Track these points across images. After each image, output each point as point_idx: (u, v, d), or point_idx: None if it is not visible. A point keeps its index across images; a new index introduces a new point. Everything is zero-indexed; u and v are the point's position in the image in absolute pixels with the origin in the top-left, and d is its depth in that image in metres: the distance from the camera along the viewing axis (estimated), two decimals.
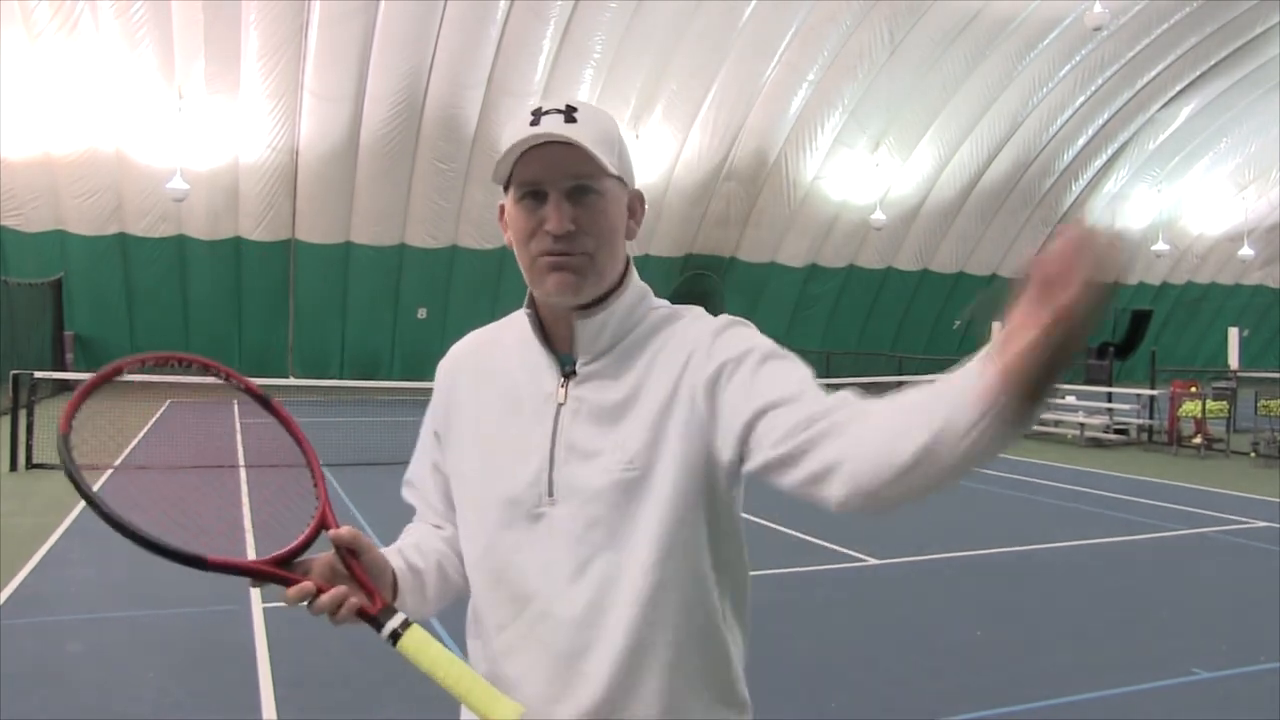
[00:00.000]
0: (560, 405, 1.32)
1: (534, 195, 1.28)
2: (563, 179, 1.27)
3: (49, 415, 12.09)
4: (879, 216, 24.15)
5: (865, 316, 26.91)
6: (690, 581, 1.29)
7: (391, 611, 1.29)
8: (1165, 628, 5.63)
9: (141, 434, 13.36)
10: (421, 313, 22.28)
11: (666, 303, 1.41)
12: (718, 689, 1.33)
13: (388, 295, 21.82)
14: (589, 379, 1.32)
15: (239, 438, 13.41)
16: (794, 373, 1.28)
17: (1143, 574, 6.99)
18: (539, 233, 1.28)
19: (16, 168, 18.52)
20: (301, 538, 1.34)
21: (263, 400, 1.48)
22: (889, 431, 1.13)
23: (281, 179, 19.85)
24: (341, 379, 20.76)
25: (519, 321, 1.40)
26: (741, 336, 1.31)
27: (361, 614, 1.30)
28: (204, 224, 20.07)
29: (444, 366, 1.48)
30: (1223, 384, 15.57)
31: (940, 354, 25.61)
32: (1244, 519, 8.95)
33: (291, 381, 19.07)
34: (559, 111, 1.27)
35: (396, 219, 21.05)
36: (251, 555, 1.32)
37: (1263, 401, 14.46)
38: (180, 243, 20.23)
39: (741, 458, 1.26)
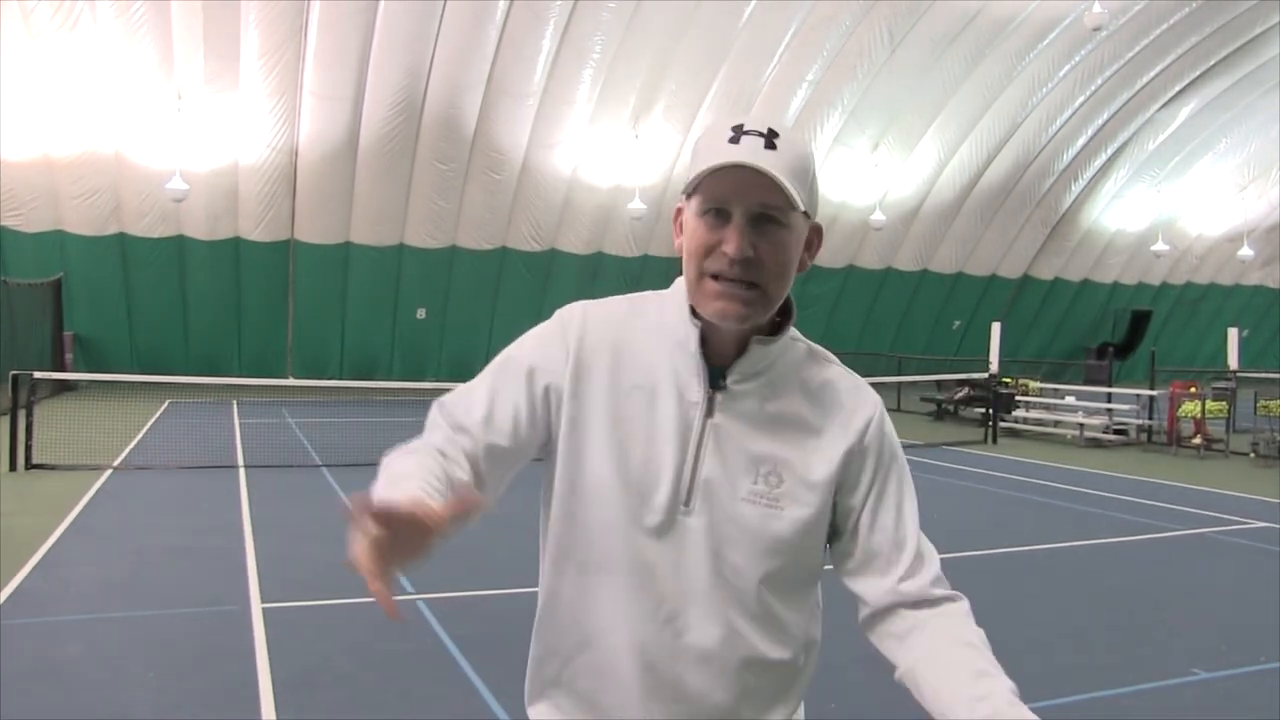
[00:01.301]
0: (707, 418, 1.33)
1: (718, 213, 1.27)
2: (751, 204, 1.26)
3: (49, 415, 12.10)
4: (878, 217, 24.15)
5: (865, 317, 26.91)
6: (788, 623, 1.41)
7: None
8: (1165, 628, 5.63)
9: (141, 434, 13.36)
10: (421, 313, 22.28)
11: (807, 344, 1.46)
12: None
13: (387, 295, 21.81)
14: (739, 398, 1.34)
15: (238, 437, 13.42)
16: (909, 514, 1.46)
17: (1143, 574, 6.99)
18: (716, 252, 1.27)
19: (16, 168, 18.51)
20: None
21: None
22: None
23: (281, 179, 19.85)
24: (341, 379, 20.76)
25: (662, 315, 1.39)
26: (895, 445, 1.45)
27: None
28: (203, 224, 20.06)
29: (575, 323, 1.39)
30: (1222, 384, 15.57)
31: (940, 354, 25.63)
32: (1244, 519, 8.96)
33: (291, 382, 19.07)
34: (760, 135, 1.25)
35: (396, 219, 21.04)
36: None
37: (1262, 402, 14.47)
38: (180, 243, 20.22)
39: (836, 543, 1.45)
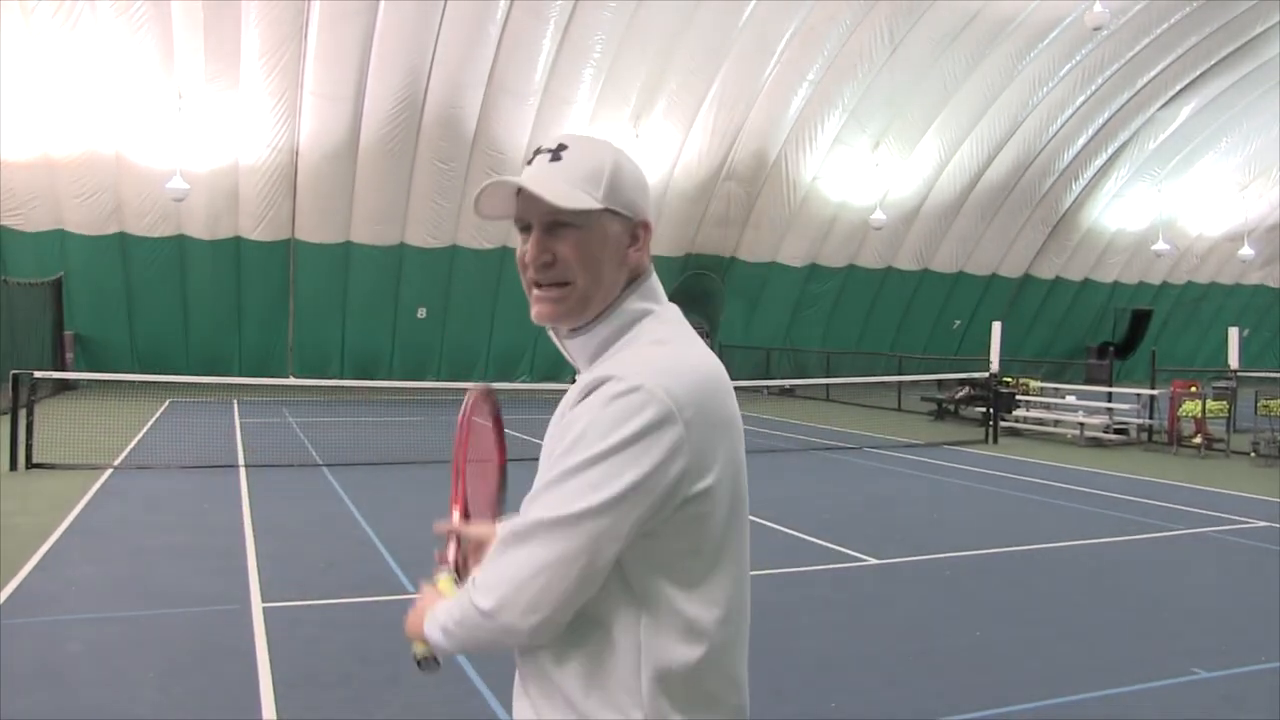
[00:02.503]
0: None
1: (524, 229, 1.41)
2: (542, 215, 1.38)
3: (49, 415, 12.10)
4: (879, 216, 24.14)
5: (865, 316, 26.90)
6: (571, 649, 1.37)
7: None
8: (1165, 628, 5.63)
9: (142, 433, 13.36)
10: (421, 313, 22.28)
11: (664, 333, 1.39)
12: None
13: (388, 295, 21.81)
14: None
15: (239, 437, 13.42)
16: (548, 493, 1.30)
17: (1143, 574, 6.99)
18: (524, 264, 1.41)
19: (16, 168, 18.51)
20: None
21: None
22: None
23: (281, 179, 19.85)
24: (341, 379, 20.75)
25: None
26: (579, 421, 1.29)
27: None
28: (204, 224, 20.06)
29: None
30: (1223, 384, 15.56)
31: (940, 354, 25.62)
32: (1244, 519, 8.95)
33: (291, 381, 19.07)
34: (549, 150, 1.40)
35: (396, 219, 21.04)
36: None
37: (1263, 401, 14.46)
38: (180, 243, 20.22)
39: None
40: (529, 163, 1.42)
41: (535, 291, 1.41)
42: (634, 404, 1.25)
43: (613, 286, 1.41)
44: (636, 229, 1.43)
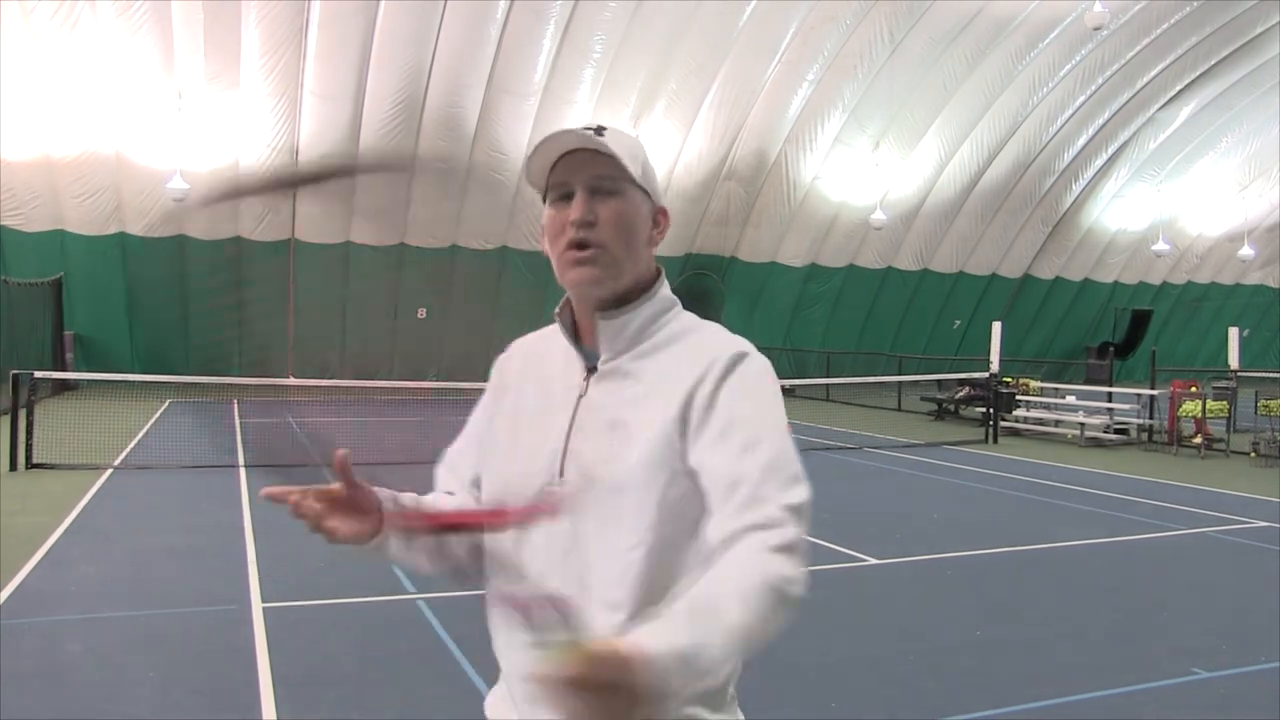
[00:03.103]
0: (581, 396, 1.45)
1: (564, 197, 1.43)
2: (587, 178, 1.41)
3: (49, 415, 12.10)
4: (879, 216, 24.14)
5: (865, 316, 26.90)
6: (661, 571, 1.36)
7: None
8: (1165, 628, 5.63)
9: (142, 433, 13.36)
10: (421, 312, 22.28)
11: (696, 318, 1.51)
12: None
13: (388, 295, 21.81)
14: (607, 375, 1.45)
15: (238, 437, 13.42)
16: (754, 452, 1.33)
17: (1143, 574, 6.99)
18: (566, 226, 1.42)
19: (16, 168, 18.50)
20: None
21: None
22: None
23: None
24: (341, 378, 20.75)
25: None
26: (748, 381, 1.39)
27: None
28: (204, 224, 20.06)
29: (505, 355, 1.64)
30: (1223, 384, 15.57)
31: (940, 354, 25.62)
32: (1244, 519, 8.95)
33: (291, 381, 19.06)
34: (589, 127, 1.43)
35: (396, 219, 21.04)
36: None
37: (1263, 401, 14.46)
38: (180, 243, 20.22)
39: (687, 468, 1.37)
40: (564, 132, 1.44)
41: (573, 253, 1.42)
42: (769, 370, 1.45)
43: (639, 262, 1.46)
44: (657, 214, 1.51)
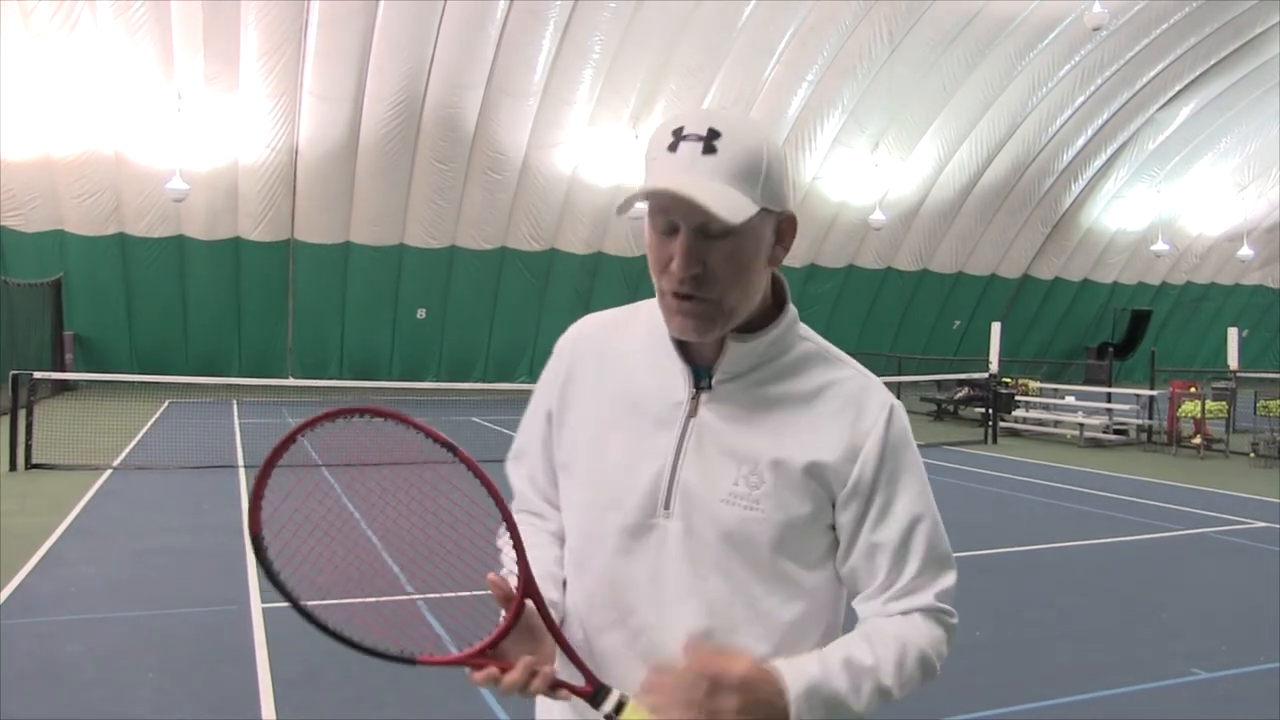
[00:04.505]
0: (691, 418, 1.28)
1: (667, 226, 1.22)
2: (695, 218, 1.19)
3: (49, 415, 12.09)
4: (878, 216, 24.15)
5: (864, 316, 26.90)
6: (800, 623, 1.31)
7: (606, 691, 1.22)
8: (1165, 628, 5.63)
9: (141, 434, 13.35)
10: (421, 313, 22.27)
11: (815, 334, 1.37)
12: None
13: (387, 295, 21.81)
14: (725, 398, 1.29)
15: (238, 437, 13.42)
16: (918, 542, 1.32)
17: (1143, 574, 6.99)
18: (668, 265, 1.22)
19: (16, 168, 18.50)
20: (505, 621, 1.28)
21: (449, 448, 1.33)
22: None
23: (281, 179, 19.85)
24: (341, 379, 20.74)
25: (649, 318, 1.34)
26: (906, 452, 1.32)
27: (563, 687, 1.23)
28: (203, 224, 20.06)
29: (567, 343, 1.43)
30: (1222, 384, 15.58)
31: (939, 354, 25.62)
32: (1244, 519, 8.96)
33: (291, 382, 19.06)
34: (700, 139, 1.19)
35: (396, 219, 21.04)
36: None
37: (1262, 402, 14.46)
38: (180, 243, 20.22)
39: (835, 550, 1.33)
40: (671, 148, 1.20)
41: (674, 301, 1.24)
42: (906, 417, 1.35)
43: (756, 295, 1.28)
44: (783, 223, 1.29)
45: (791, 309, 1.34)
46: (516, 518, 1.36)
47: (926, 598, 1.30)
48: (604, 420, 1.33)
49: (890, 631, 1.27)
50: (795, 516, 1.27)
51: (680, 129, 1.20)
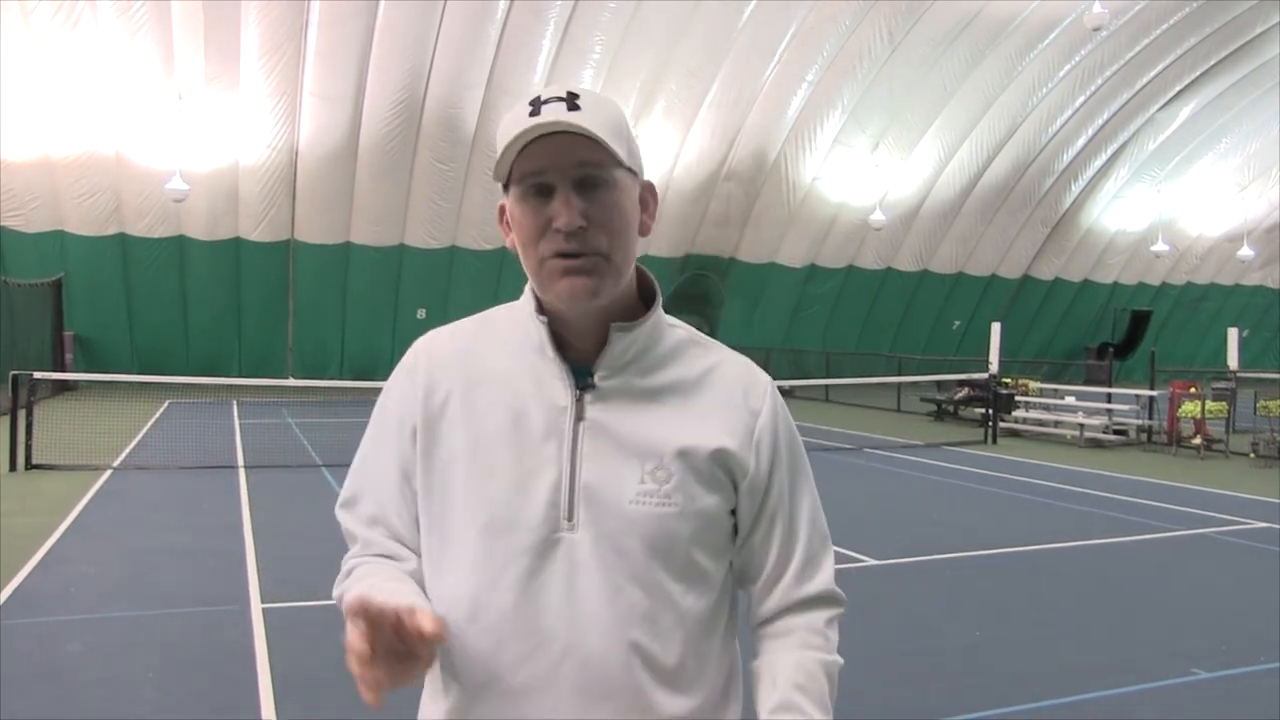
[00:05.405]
0: (579, 420, 1.22)
1: (539, 190, 1.18)
2: (570, 169, 1.16)
3: (49, 415, 12.10)
4: (878, 217, 24.15)
5: (864, 317, 26.91)
6: (710, 615, 1.28)
7: None
8: (1165, 628, 5.63)
9: (141, 434, 13.35)
10: (421, 313, 22.28)
11: (680, 321, 1.34)
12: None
13: (388, 296, 21.82)
14: (611, 394, 1.23)
15: (239, 437, 13.42)
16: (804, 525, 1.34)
17: (1143, 574, 6.99)
18: (548, 231, 1.18)
19: (16, 168, 18.52)
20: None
21: None
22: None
23: (281, 179, 19.85)
24: (341, 379, 20.74)
25: (514, 324, 1.28)
26: (793, 433, 1.34)
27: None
28: (204, 224, 20.07)
29: (420, 359, 1.32)
30: (1222, 384, 15.57)
31: (939, 354, 25.62)
32: (1244, 519, 8.96)
33: (291, 382, 19.06)
34: (560, 99, 1.16)
35: (396, 219, 21.05)
36: None
37: (1262, 402, 14.46)
38: (180, 243, 20.23)
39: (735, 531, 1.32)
40: (533, 114, 1.16)
41: (558, 263, 1.18)
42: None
43: (634, 256, 1.24)
44: (645, 191, 1.27)
45: (660, 296, 1.30)
46: (357, 563, 1.29)
47: (824, 581, 1.32)
48: (482, 442, 1.23)
49: (809, 669, 1.28)
50: (706, 506, 1.23)
51: (538, 98, 1.18)
